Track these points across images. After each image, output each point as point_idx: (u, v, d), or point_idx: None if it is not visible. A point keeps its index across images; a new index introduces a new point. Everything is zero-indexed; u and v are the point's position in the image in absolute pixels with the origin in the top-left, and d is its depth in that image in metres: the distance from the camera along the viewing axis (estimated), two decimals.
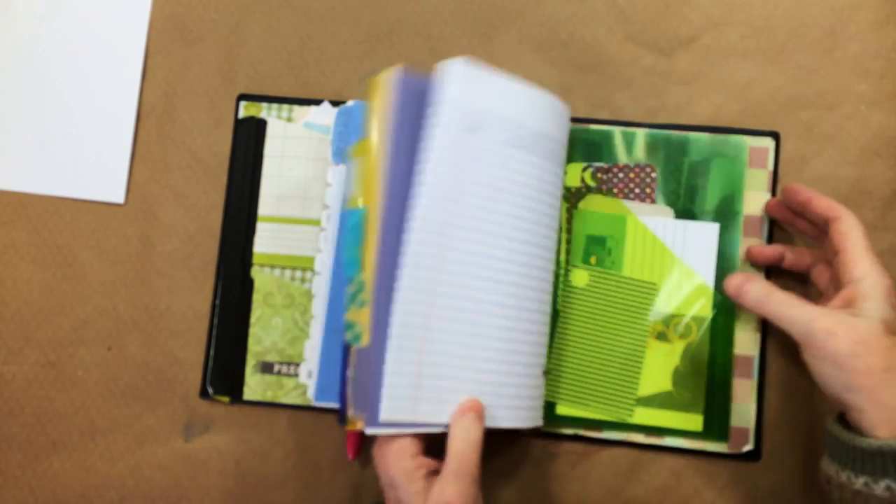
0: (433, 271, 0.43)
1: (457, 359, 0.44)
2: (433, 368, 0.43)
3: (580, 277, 0.52)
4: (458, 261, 0.43)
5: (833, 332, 0.40)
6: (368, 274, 0.42)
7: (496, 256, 0.44)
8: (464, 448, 0.42)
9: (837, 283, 0.44)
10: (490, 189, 0.44)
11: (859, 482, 0.39)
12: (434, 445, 0.43)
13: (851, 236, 0.44)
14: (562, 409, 0.51)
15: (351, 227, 0.44)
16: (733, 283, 0.46)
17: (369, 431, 0.42)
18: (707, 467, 0.51)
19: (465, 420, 0.43)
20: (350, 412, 0.43)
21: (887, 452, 0.38)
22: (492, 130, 0.44)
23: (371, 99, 0.44)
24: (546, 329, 0.48)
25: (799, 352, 0.43)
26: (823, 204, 0.46)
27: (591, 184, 0.53)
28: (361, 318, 0.42)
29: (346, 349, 0.44)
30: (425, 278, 0.43)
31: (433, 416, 0.43)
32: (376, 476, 0.49)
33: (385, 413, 0.41)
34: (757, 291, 0.45)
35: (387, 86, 0.44)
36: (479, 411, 0.43)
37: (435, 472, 0.42)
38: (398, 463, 0.42)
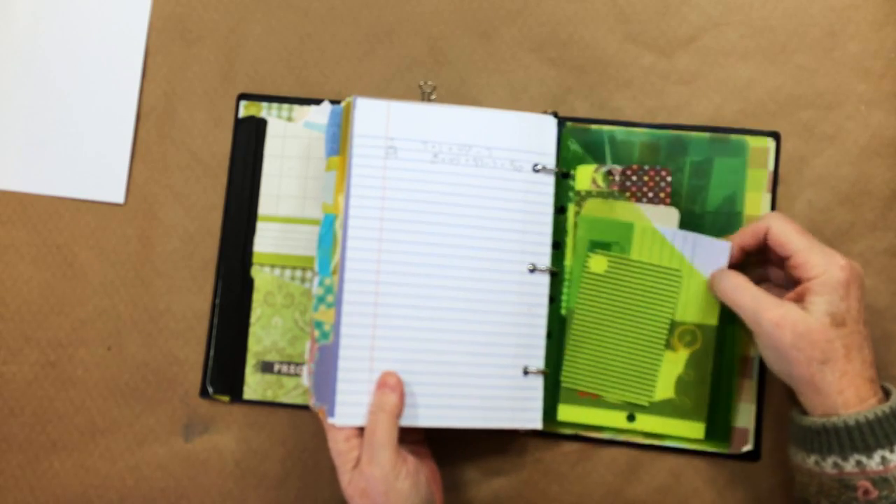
0: (372, 283, 0.47)
1: (406, 361, 0.47)
2: (384, 366, 0.47)
3: (598, 264, 0.52)
4: (395, 271, 0.48)
5: (778, 324, 0.43)
6: (335, 277, 0.47)
7: (434, 263, 0.48)
8: (373, 419, 0.45)
9: (791, 281, 0.46)
10: (416, 202, 0.48)
11: (810, 461, 0.43)
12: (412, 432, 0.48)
13: (789, 240, 0.45)
14: (565, 412, 0.51)
15: (324, 232, 0.49)
16: (712, 276, 0.49)
17: (330, 422, 0.46)
18: (707, 467, 0.51)
19: (378, 393, 0.46)
20: (312, 402, 0.48)
21: (830, 430, 0.41)
22: (409, 151, 0.49)
23: (343, 121, 0.49)
24: (533, 330, 0.49)
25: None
26: (748, 231, 0.48)
27: (603, 185, 0.52)
28: (329, 318, 0.47)
29: (311, 344, 0.48)
30: (367, 288, 0.47)
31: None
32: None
33: (339, 419, 0.46)
34: (727, 282, 0.47)
35: (351, 111, 0.49)
36: (392, 386, 0.46)
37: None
38: (334, 446, 0.46)
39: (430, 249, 0.48)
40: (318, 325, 0.48)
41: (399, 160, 0.49)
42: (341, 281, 0.47)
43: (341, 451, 0.45)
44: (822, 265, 0.44)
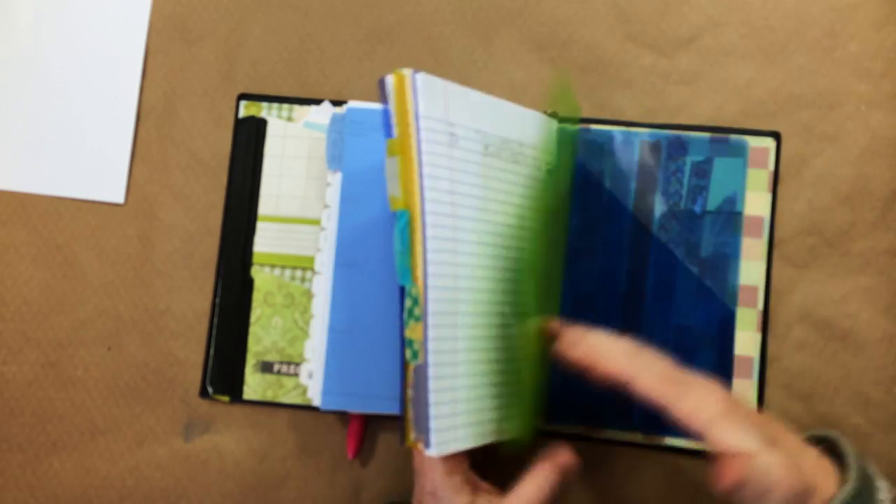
0: (451, 289, 0.42)
1: (481, 374, 0.43)
2: (469, 387, 0.42)
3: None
4: (469, 275, 0.43)
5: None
6: (420, 286, 0.41)
7: (493, 266, 0.44)
8: (534, 492, 0.42)
9: None
10: (478, 198, 0.44)
11: None
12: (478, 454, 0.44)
13: (653, 396, 0.40)
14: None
15: (400, 230, 0.41)
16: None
17: (429, 454, 0.41)
18: (707, 467, 0.51)
19: (547, 471, 0.43)
20: (412, 435, 0.41)
21: None
22: (466, 140, 0.44)
23: (398, 99, 0.42)
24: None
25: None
26: (607, 375, 0.42)
27: None
28: (417, 334, 0.41)
29: (405, 366, 0.42)
30: (448, 295, 0.42)
31: (477, 438, 0.43)
32: (376, 476, 0.49)
33: (436, 448, 0.40)
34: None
35: (408, 85, 0.41)
36: (567, 469, 0.44)
37: (476, 487, 0.43)
38: (447, 476, 0.42)
39: (489, 251, 0.45)
40: (409, 343, 0.41)
41: (460, 149, 0.43)
42: (426, 289, 0.40)
43: (454, 482, 0.42)
44: (708, 411, 0.40)
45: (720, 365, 0.51)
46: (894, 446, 0.50)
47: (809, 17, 0.54)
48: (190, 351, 0.55)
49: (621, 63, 0.55)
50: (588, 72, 0.55)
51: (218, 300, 0.54)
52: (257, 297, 0.54)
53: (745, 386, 0.51)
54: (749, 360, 0.51)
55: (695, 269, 0.52)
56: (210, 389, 0.54)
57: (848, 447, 0.41)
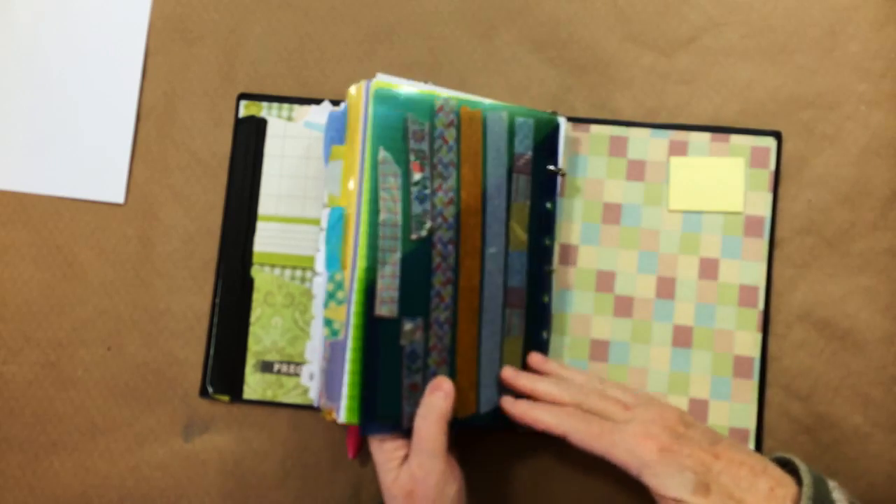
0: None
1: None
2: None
3: None
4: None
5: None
6: (347, 273, 0.46)
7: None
8: (424, 424, 0.44)
9: None
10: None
11: None
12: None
13: (590, 448, 0.43)
14: None
15: (332, 225, 0.47)
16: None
17: (340, 422, 0.45)
18: None
19: (432, 398, 0.45)
20: (322, 402, 0.47)
21: None
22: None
23: (350, 109, 0.48)
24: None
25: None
26: (541, 428, 0.45)
27: None
28: (339, 315, 0.46)
29: (324, 342, 0.47)
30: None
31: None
32: (376, 475, 0.49)
33: (345, 417, 0.45)
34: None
35: (360, 97, 0.47)
36: (446, 390, 0.45)
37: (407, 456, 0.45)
38: (376, 451, 0.45)
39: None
40: (328, 322, 0.46)
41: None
42: (353, 276, 0.46)
43: (385, 448, 0.45)
44: (637, 462, 0.42)
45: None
46: (894, 446, 0.50)
47: (809, 17, 0.54)
48: (190, 351, 0.55)
49: (621, 63, 0.55)
50: (588, 72, 0.55)
51: (218, 300, 0.54)
52: (257, 297, 0.54)
53: (745, 386, 0.51)
54: (749, 359, 0.51)
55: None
56: (210, 389, 0.54)
57: (802, 465, 0.42)
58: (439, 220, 0.48)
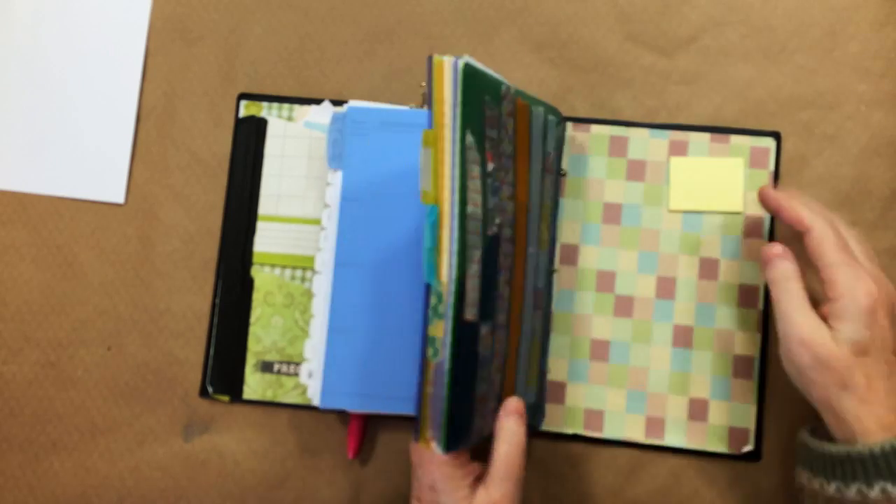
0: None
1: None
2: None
3: None
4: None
5: (802, 342, 0.42)
6: (444, 284, 0.39)
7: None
8: (509, 451, 0.42)
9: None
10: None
11: (831, 488, 0.41)
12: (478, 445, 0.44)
13: (824, 252, 0.43)
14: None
15: (430, 226, 0.39)
16: (771, 250, 0.45)
17: (438, 453, 0.40)
18: (707, 467, 0.51)
19: (510, 422, 0.43)
20: (428, 433, 0.40)
21: (855, 458, 0.40)
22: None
23: (434, 85, 0.40)
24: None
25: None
26: (792, 216, 0.45)
27: None
28: (439, 331, 0.39)
29: (425, 364, 0.40)
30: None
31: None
32: (376, 475, 0.49)
33: (442, 444, 0.40)
34: (776, 270, 0.44)
35: (443, 72, 0.40)
36: (522, 412, 0.44)
37: (478, 478, 0.42)
38: (443, 468, 0.41)
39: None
40: (432, 341, 0.39)
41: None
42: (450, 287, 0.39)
43: (457, 465, 0.42)
44: (847, 288, 0.42)
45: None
46: None
47: (809, 17, 0.54)
48: (190, 351, 0.55)
49: (621, 63, 0.55)
50: (588, 72, 0.55)
51: (218, 300, 0.54)
52: (257, 296, 0.54)
53: (745, 386, 0.51)
54: (749, 359, 0.51)
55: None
56: (210, 389, 0.54)
57: None
58: (506, 215, 0.43)
